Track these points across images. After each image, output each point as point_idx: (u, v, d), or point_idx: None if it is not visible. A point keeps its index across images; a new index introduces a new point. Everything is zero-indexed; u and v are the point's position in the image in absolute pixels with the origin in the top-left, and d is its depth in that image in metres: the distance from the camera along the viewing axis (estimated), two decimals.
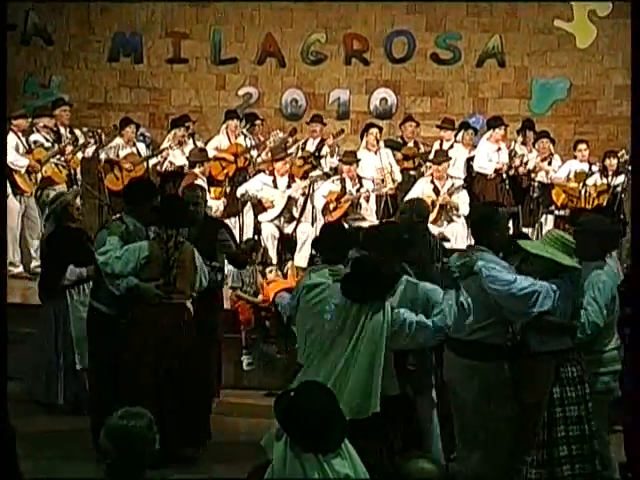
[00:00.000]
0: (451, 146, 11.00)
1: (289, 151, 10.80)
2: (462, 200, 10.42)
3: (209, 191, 10.13)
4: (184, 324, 6.25)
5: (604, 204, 10.14)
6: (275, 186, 10.22)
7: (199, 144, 10.92)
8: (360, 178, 10.45)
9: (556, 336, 5.13)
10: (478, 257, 5.18)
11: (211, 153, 10.70)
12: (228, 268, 7.55)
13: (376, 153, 10.71)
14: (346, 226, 8.49)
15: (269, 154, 10.61)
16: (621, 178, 10.40)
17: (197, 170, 10.14)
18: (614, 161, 10.52)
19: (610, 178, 10.46)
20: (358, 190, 10.27)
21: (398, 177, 10.77)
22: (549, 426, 5.07)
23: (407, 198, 10.41)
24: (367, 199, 10.31)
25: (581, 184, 10.45)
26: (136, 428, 3.39)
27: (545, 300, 5.06)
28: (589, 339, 5.24)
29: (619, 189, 10.38)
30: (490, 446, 5.16)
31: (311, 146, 10.99)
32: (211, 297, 6.74)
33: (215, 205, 9.98)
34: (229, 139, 10.95)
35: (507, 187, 10.70)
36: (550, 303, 5.07)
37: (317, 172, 10.54)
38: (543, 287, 5.07)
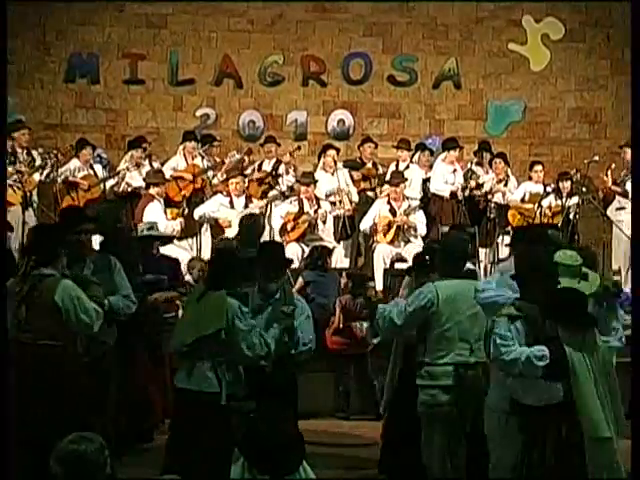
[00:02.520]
0: (407, 167, 11.08)
1: (246, 172, 10.80)
2: (419, 220, 10.48)
3: (166, 212, 10.10)
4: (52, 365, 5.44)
5: (559, 224, 10.25)
6: (232, 206, 10.21)
7: (156, 165, 10.88)
8: (318, 199, 10.48)
9: None
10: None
11: (168, 174, 10.66)
12: None
13: (333, 174, 10.75)
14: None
15: (225, 175, 10.61)
16: (575, 199, 10.54)
17: (153, 191, 10.10)
18: (567, 183, 10.66)
19: (564, 199, 10.59)
20: (316, 211, 10.29)
21: (355, 198, 10.82)
22: None
23: (363, 219, 10.51)
24: (324, 220, 10.33)
25: (536, 205, 10.57)
26: (87, 452, 3.35)
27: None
28: (382, 333, 5.75)
29: (573, 210, 10.51)
30: None
31: (267, 166, 11.01)
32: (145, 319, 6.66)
33: (172, 226, 9.92)
34: (186, 160, 10.93)
35: (464, 208, 10.78)
36: None
37: (274, 192, 10.56)
38: (509, 300, 5.15)
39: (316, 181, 10.47)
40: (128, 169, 10.57)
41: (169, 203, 10.42)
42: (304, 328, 5.31)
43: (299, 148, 11.35)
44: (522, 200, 10.91)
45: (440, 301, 5.58)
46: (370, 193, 11.11)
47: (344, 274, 9.21)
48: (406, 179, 10.65)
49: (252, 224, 7.22)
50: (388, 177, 10.79)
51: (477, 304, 5.39)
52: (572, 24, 12.34)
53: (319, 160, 11.10)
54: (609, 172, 10.34)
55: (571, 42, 12.33)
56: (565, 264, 5.14)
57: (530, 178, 11.11)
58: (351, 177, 11.02)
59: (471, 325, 5.59)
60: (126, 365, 6.47)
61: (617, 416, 4.69)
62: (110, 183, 10.59)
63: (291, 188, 10.89)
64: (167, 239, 7.81)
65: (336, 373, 8.16)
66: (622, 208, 10.34)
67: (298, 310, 5.32)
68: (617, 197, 10.44)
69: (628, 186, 10.33)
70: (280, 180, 10.83)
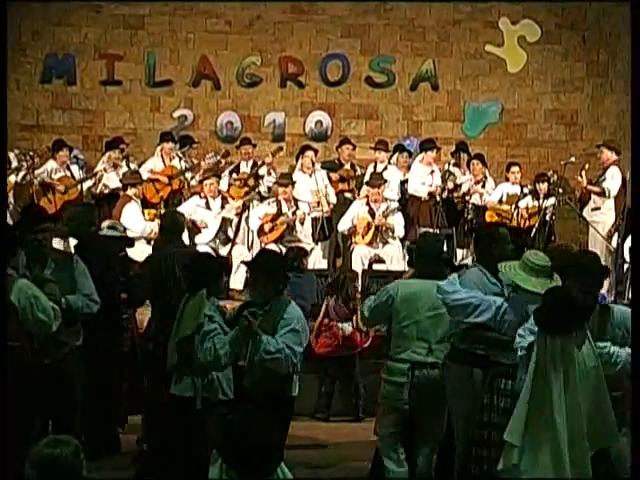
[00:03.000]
0: (385, 168, 11.09)
1: (223, 173, 10.79)
2: (397, 222, 10.50)
3: (143, 213, 10.07)
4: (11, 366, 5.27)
5: (536, 226, 10.30)
6: (208, 208, 10.19)
7: (133, 166, 10.84)
8: (296, 200, 10.47)
9: (496, 348, 5.30)
10: (460, 273, 5.52)
11: (145, 175, 10.63)
12: None
13: (311, 175, 10.75)
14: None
15: (201, 176, 10.59)
16: (551, 200, 10.59)
17: (131, 192, 10.06)
18: (544, 184, 10.71)
19: (541, 200, 10.64)
20: (294, 212, 10.29)
21: (333, 199, 10.82)
22: (478, 427, 5.29)
23: (341, 220, 10.52)
24: (302, 221, 10.33)
25: (513, 206, 10.62)
26: (62, 456, 3.32)
27: (482, 313, 5.26)
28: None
29: (550, 211, 10.56)
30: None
31: (245, 168, 11.00)
32: (111, 321, 6.62)
33: (149, 227, 9.89)
34: (164, 161, 10.90)
35: (441, 209, 10.81)
36: (488, 316, 5.26)
37: (251, 193, 10.54)
38: (483, 301, 5.28)
39: (294, 182, 10.47)
40: (105, 170, 10.53)
41: (146, 204, 10.40)
42: (283, 338, 5.10)
43: (281, 149, 11.35)
44: (499, 201, 10.96)
45: (399, 298, 5.69)
46: (348, 194, 11.12)
47: (329, 276, 9.22)
48: (385, 180, 10.67)
49: (171, 220, 7.13)
50: (367, 178, 10.80)
51: (445, 305, 5.44)
52: (548, 26, 12.40)
53: (297, 161, 11.10)
54: (583, 172, 10.39)
55: (547, 44, 12.40)
56: (538, 264, 5.21)
57: (507, 179, 11.16)
58: (329, 178, 11.03)
59: (432, 325, 5.68)
60: (90, 366, 6.40)
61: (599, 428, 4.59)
62: (87, 184, 10.55)
63: (269, 189, 10.89)
64: (129, 240, 7.69)
65: (319, 375, 8.16)
66: (597, 209, 10.41)
67: (284, 321, 5.17)
68: (593, 197, 10.48)
69: (605, 185, 10.40)
70: (261, 181, 10.82)
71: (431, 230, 10.66)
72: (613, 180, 10.35)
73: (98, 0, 11.98)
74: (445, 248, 6.41)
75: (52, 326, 5.42)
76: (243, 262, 6.36)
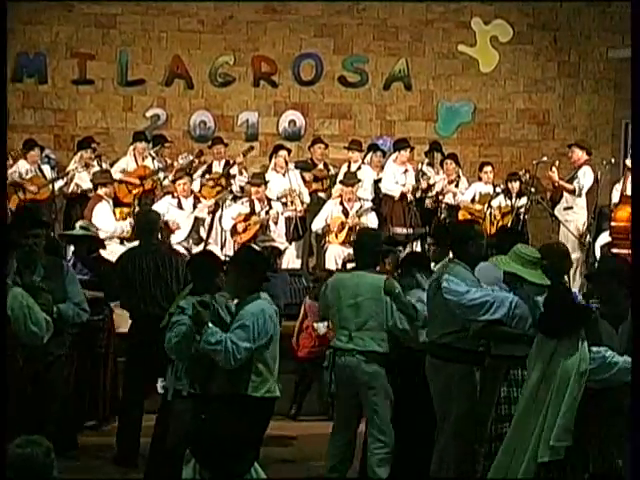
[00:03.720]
0: (359, 168, 11.11)
1: (195, 174, 10.76)
2: (371, 222, 10.51)
3: (115, 213, 10.02)
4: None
5: (508, 225, 10.36)
6: (180, 208, 10.16)
7: (105, 166, 10.79)
8: (269, 200, 10.46)
9: (509, 342, 5.41)
10: (447, 272, 5.60)
11: (118, 175, 10.59)
12: None
13: (284, 175, 10.74)
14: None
15: (174, 176, 10.56)
16: (524, 200, 10.65)
17: (102, 192, 10.00)
18: (516, 183, 10.77)
19: (514, 200, 10.69)
20: (267, 212, 10.28)
21: (307, 199, 10.82)
22: (496, 422, 5.38)
23: (314, 220, 10.53)
24: (276, 221, 10.32)
25: (486, 206, 10.67)
26: (34, 456, 3.31)
27: (498, 309, 5.38)
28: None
29: (522, 210, 10.62)
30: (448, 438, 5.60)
31: (218, 167, 10.98)
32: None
33: (121, 227, 9.85)
34: (136, 161, 10.85)
35: (415, 209, 10.84)
36: (503, 312, 5.36)
37: (224, 192, 10.52)
38: (497, 298, 5.42)
39: (267, 182, 10.45)
40: (77, 170, 10.47)
41: (119, 204, 10.35)
42: (231, 332, 5.11)
43: (252, 148, 11.33)
44: (472, 201, 11.01)
45: (328, 289, 6.02)
46: (322, 194, 11.13)
47: (310, 276, 9.22)
48: (359, 180, 10.68)
49: (145, 218, 7.16)
50: (341, 178, 10.81)
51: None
52: (520, 27, 12.48)
53: (270, 161, 11.09)
54: (554, 168, 10.43)
55: (519, 44, 12.48)
56: (534, 257, 5.41)
57: (480, 179, 11.21)
58: (302, 178, 11.03)
59: (352, 314, 5.90)
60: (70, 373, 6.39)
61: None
62: (59, 184, 10.47)
63: (242, 189, 10.86)
64: (99, 241, 7.64)
65: (298, 374, 8.17)
66: (570, 208, 10.46)
67: (238, 316, 5.19)
68: (565, 196, 10.53)
69: (576, 184, 10.45)
70: (233, 181, 10.80)
71: (404, 230, 10.71)
72: (585, 179, 10.41)
73: None
74: (381, 242, 6.49)
75: (44, 338, 5.25)
76: (227, 256, 6.40)
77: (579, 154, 10.56)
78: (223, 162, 11.02)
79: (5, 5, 6.82)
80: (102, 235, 9.66)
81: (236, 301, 5.38)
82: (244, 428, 3.58)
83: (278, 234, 10.32)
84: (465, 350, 5.59)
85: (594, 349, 4.65)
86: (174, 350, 5.27)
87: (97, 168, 10.64)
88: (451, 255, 6.03)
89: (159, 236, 7.44)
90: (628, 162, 10.05)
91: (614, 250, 10.12)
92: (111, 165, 10.92)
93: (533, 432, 4.54)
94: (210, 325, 5.12)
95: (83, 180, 10.51)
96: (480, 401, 5.56)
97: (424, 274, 6.19)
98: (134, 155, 10.90)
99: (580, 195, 10.42)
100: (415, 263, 6.37)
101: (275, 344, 5.32)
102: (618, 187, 10.37)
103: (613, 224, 10.19)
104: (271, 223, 10.26)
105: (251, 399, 5.15)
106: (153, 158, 10.92)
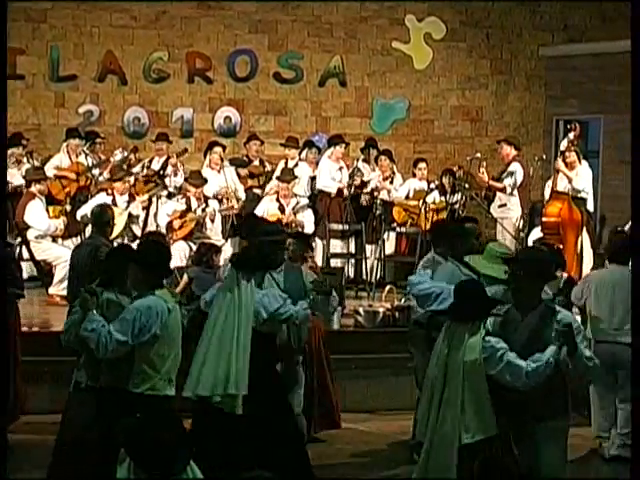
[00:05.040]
0: (296, 164, 11.11)
1: (134, 169, 10.65)
2: (307, 219, 10.53)
3: (48, 211, 9.87)
4: None
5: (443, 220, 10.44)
6: (114, 205, 10.05)
7: (37, 163, 10.62)
8: (205, 197, 10.41)
9: None
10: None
11: (51, 172, 10.43)
12: None
13: (220, 172, 10.70)
14: None
15: (110, 173, 10.44)
16: (458, 196, 10.75)
17: (34, 189, 9.84)
18: (449, 179, 10.87)
19: (448, 196, 10.79)
20: (203, 209, 10.22)
21: (242, 196, 10.79)
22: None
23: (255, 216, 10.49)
24: (213, 218, 10.27)
25: (421, 202, 10.76)
26: None
27: (444, 301, 5.59)
28: None
29: (457, 206, 10.72)
30: None
31: (157, 164, 10.88)
32: None
33: (54, 225, 9.70)
34: (70, 158, 10.71)
35: (350, 205, 10.88)
36: (449, 303, 5.36)
37: (157, 188, 10.42)
38: (444, 289, 5.68)
39: (205, 180, 10.39)
40: (8, 167, 10.26)
41: (51, 201, 10.19)
42: (113, 323, 5.07)
43: (186, 150, 11.23)
44: (407, 197, 11.08)
45: None
46: (257, 190, 11.10)
47: None
48: (296, 176, 10.68)
49: (98, 214, 7.24)
50: (278, 174, 10.80)
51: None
52: (453, 24, 12.61)
53: (205, 157, 11.03)
54: (483, 169, 10.55)
55: (452, 42, 12.61)
56: (499, 251, 5.59)
57: (414, 175, 11.30)
58: (238, 175, 10.99)
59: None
60: None
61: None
62: None
63: (178, 188, 10.78)
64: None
65: None
66: (504, 205, 10.58)
67: (125, 309, 5.14)
68: (498, 195, 10.64)
69: (506, 182, 10.57)
70: (167, 180, 10.71)
71: (340, 227, 10.75)
72: (515, 175, 10.54)
73: None
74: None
75: None
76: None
77: (508, 150, 10.67)
78: (163, 159, 10.92)
79: (5, 5, 6.71)
80: (35, 233, 9.58)
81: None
82: (179, 426, 3.55)
83: (215, 231, 10.27)
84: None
85: (486, 338, 4.63)
86: (64, 337, 5.28)
87: (28, 165, 10.47)
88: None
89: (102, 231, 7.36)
90: (559, 163, 10.23)
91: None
92: (44, 162, 10.75)
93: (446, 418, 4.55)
94: (93, 312, 5.10)
95: (14, 177, 10.32)
96: None
97: None
98: (67, 152, 10.76)
99: (512, 193, 10.55)
100: None
101: (166, 344, 5.10)
102: (550, 183, 10.54)
103: (544, 219, 10.37)
104: (207, 220, 10.21)
105: (133, 395, 5.03)
106: (87, 155, 10.78)
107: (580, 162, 10.25)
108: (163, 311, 5.07)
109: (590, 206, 10.40)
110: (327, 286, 5.80)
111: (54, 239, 9.76)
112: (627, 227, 10.42)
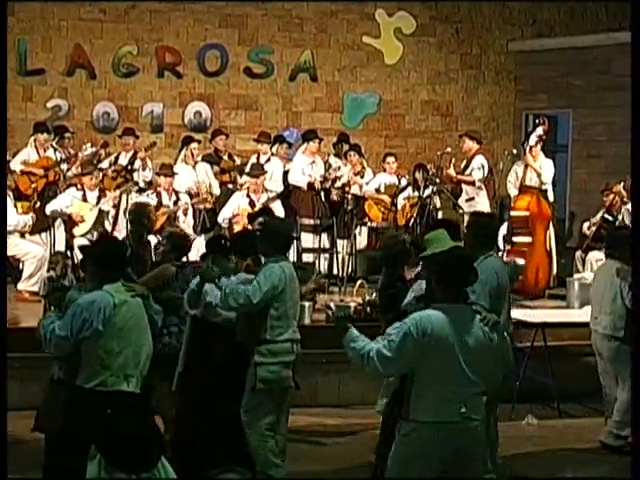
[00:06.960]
0: (268, 159, 11.08)
1: (102, 165, 10.58)
2: (278, 213, 10.49)
3: (16, 206, 9.77)
4: None
5: (414, 215, 10.47)
6: (85, 200, 9.98)
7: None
8: (177, 192, 10.36)
9: None
10: None
11: (19, 167, 10.33)
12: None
13: (194, 167, 10.66)
14: None
15: (80, 168, 10.36)
16: (429, 190, 10.77)
17: None
18: (424, 174, 10.89)
19: (421, 190, 10.81)
20: (175, 203, 10.18)
21: (216, 191, 10.75)
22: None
23: (221, 211, 10.47)
24: (185, 212, 10.23)
25: (394, 198, 10.76)
26: None
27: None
28: (238, 309, 5.87)
29: (428, 201, 10.74)
30: None
31: (124, 159, 10.82)
32: None
33: (23, 221, 9.61)
34: (38, 152, 10.60)
35: (322, 200, 10.88)
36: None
37: (129, 183, 10.36)
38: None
39: (175, 174, 10.34)
40: None
41: (19, 197, 10.10)
42: (60, 320, 5.06)
43: (154, 144, 11.17)
44: (377, 191, 11.10)
45: (286, 279, 5.85)
46: (231, 186, 11.07)
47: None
48: (266, 171, 10.65)
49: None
50: (248, 169, 10.77)
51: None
52: (423, 19, 12.64)
53: (180, 153, 10.98)
54: (451, 164, 10.58)
55: (422, 36, 12.64)
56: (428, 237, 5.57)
57: (384, 169, 11.32)
58: (212, 170, 10.95)
59: (296, 305, 6.05)
60: None
61: None
62: None
63: (148, 182, 10.72)
64: None
65: None
66: (471, 199, 10.61)
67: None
68: (465, 188, 10.65)
69: (476, 175, 10.59)
70: (135, 175, 10.64)
71: (312, 221, 10.75)
72: (479, 169, 10.55)
73: None
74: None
75: None
76: (82, 246, 6.25)
77: (469, 144, 10.67)
78: (130, 154, 10.85)
79: (5, 5, 6.62)
80: None
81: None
82: (150, 422, 3.54)
83: (187, 226, 10.23)
84: None
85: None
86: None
87: None
88: None
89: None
90: (528, 157, 10.29)
91: (514, 239, 10.39)
92: (12, 156, 10.62)
93: None
94: (52, 309, 5.13)
95: None
96: None
97: None
98: (35, 146, 10.64)
99: (481, 187, 10.58)
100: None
101: (114, 339, 4.97)
102: (510, 178, 10.60)
103: (513, 213, 10.44)
104: (180, 214, 10.16)
105: (83, 390, 4.97)
106: (55, 149, 10.69)
107: (544, 156, 10.41)
108: (107, 306, 4.93)
109: (550, 197, 10.53)
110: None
111: (22, 235, 9.67)
112: (597, 218, 10.55)
